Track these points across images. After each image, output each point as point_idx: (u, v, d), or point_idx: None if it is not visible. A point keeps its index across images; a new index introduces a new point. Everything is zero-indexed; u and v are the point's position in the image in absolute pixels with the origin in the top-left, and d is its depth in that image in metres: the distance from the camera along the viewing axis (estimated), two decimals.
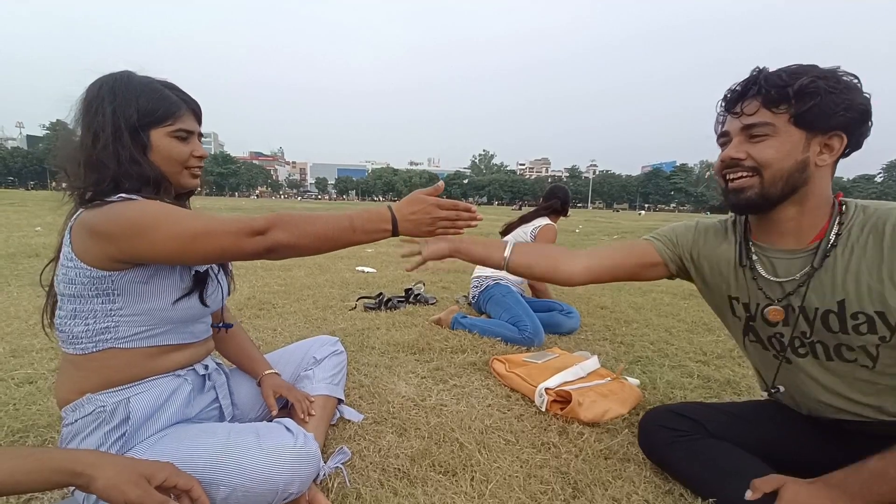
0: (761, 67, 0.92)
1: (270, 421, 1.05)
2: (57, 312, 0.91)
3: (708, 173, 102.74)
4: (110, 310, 0.87)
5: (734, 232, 1.09)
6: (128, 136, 0.87)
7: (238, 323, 1.28)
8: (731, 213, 1.11)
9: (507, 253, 1.18)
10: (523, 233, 2.70)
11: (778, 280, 0.99)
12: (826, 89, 0.84)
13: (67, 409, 0.90)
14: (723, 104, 0.97)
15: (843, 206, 0.93)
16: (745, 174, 0.93)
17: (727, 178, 0.97)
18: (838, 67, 0.87)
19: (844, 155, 0.91)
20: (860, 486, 0.84)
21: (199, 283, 0.96)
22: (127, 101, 0.88)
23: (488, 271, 2.73)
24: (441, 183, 0.98)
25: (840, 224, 0.91)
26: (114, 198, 0.85)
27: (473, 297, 2.75)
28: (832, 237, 0.91)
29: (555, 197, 2.81)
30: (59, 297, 0.90)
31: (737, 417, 1.16)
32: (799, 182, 0.90)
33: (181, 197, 1.04)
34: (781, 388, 1.06)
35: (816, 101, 0.84)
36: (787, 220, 0.96)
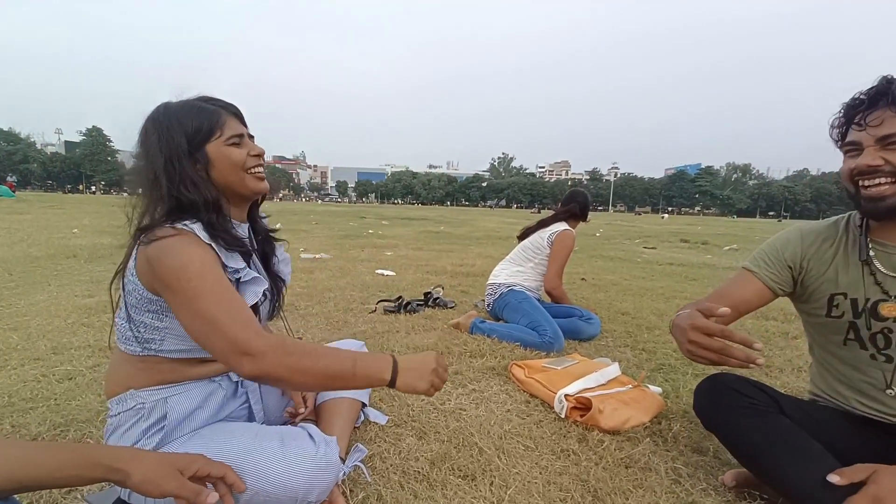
0: (889, 77, 0.93)
1: (293, 424, 1.07)
2: (118, 312, 0.96)
3: (735, 176, 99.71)
4: (158, 327, 0.92)
5: (847, 230, 1.09)
6: (182, 161, 0.90)
7: (281, 331, 1.31)
8: (850, 214, 1.12)
9: None
10: (540, 238, 2.69)
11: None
12: None
13: (113, 402, 0.96)
14: (844, 113, 0.98)
15: None
16: (884, 180, 0.94)
17: (860, 184, 0.97)
18: None
19: None
20: None
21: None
22: (171, 130, 0.91)
23: (502, 277, 2.71)
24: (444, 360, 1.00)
25: None
26: (180, 224, 0.87)
27: (489, 305, 2.74)
28: None
29: (574, 201, 2.79)
30: (120, 299, 0.95)
31: (803, 410, 1.13)
32: None
33: (255, 206, 1.08)
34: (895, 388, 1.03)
35: None
36: None
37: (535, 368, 1.81)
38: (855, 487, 0.86)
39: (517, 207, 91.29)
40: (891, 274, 1.01)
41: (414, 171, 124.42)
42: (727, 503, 1.12)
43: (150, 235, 0.87)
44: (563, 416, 1.53)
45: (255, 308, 1.00)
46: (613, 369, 1.76)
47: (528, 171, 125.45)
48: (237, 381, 1.09)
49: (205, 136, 0.93)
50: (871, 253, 1.03)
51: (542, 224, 2.76)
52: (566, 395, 1.55)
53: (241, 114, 1.01)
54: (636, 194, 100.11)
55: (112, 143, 74.56)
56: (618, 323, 2.85)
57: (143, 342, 0.93)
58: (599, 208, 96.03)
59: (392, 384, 0.88)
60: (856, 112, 0.95)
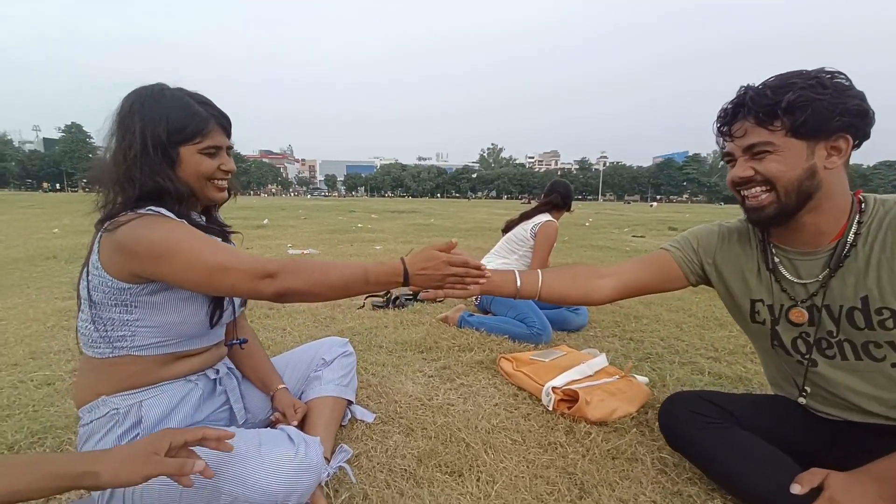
0: (747, 86, 0.92)
1: (273, 425, 1.06)
2: (79, 315, 0.94)
3: (721, 163, 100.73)
4: (127, 320, 0.90)
5: (754, 235, 1.09)
6: (157, 152, 0.90)
7: (255, 336, 1.28)
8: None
9: (519, 283, 1.13)
10: (524, 230, 2.67)
11: (801, 281, 1.00)
12: (815, 98, 0.84)
13: (84, 410, 0.94)
14: (718, 125, 0.98)
15: (863, 203, 0.93)
16: (759, 188, 0.93)
17: (742, 194, 0.97)
18: (822, 69, 0.87)
19: (856, 147, 0.90)
20: None
21: (216, 303, 0.99)
22: (157, 118, 0.90)
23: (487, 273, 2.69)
24: (455, 241, 1.01)
25: (860, 223, 0.92)
26: (143, 210, 0.88)
27: (476, 299, 2.73)
28: (851, 236, 0.92)
29: (555, 192, 2.76)
30: (81, 301, 0.93)
31: (761, 409, 1.14)
32: (811, 189, 0.90)
33: (210, 209, 1.08)
34: (808, 390, 1.04)
35: (808, 113, 0.84)
36: (807, 225, 0.95)
37: (523, 361, 1.81)
38: (815, 492, 0.88)
39: (507, 198, 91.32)
40: (796, 281, 1.00)
41: (403, 163, 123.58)
42: (711, 491, 1.13)
43: (113, 223, 0.86)
44: (550, 408, 1.53)
45: (220, 302, 1.00)
46: (600, 360, 1.77)
47: (517, 162, 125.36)
48: (215, 379, 1.08)
49: (185, 138, 0.93)
50: (776, 259, 1.03)
51: (525, 216, 2.74)
52: (553, 388, 1.55)
53: (229, 126, 1.01)
54: (625, 183, 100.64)
55: (92, 140, 72.65)
56: (605, 313, 2.86)
57: (113, 341, 0.91)
58: (589, 198, 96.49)
59: (405, 284, 0.94)
60: (723, 124, 0.96)
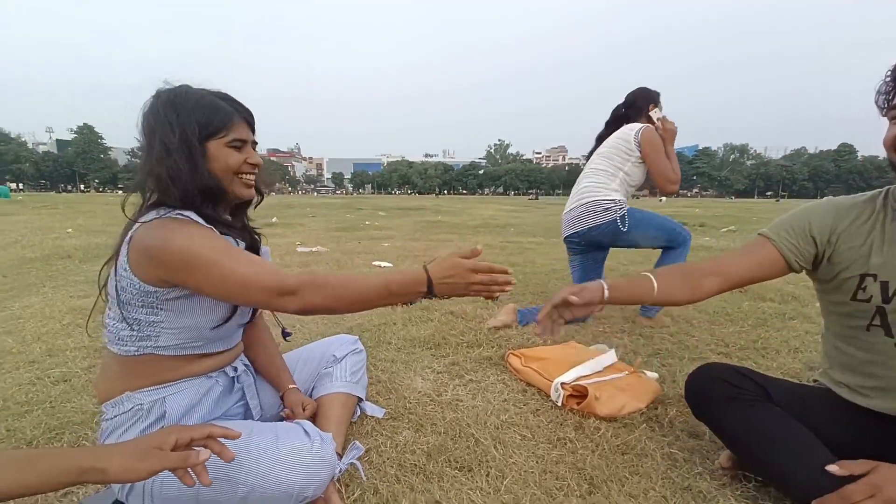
0: None
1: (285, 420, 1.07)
2: (107, 312, 0.96)
3: (732, 156, 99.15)
4: (153, 321, 0.92)
5: (885, 206, 1.00)
6: (193, 148, 0.91)
7: (270, 333, 1.30)
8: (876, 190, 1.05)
9: (656, 286, 1.08)
10: (625, 142, 2.41)
11: None
12: None
13: (108, 405, 0.95)
14: (894, 76, 0.87)
15: None
16: None
17: None
18: None
19: None
20: None
21: (237, 308, 0.99)
22: (188, 115, 0.91)
23: (607, 193, 2.38)
24: (479, 248, 0.97)
25: None
26: (172, 213, 0.88)
27: (593, 228, 2.38)
28: None
29: (631, 106, 2.52)
30: (109, 299, 0.94)
31: (797, 396, 1.11)
32: None
33: (239, 208, 1.08)
34: None
35: None
36: None
37: (532, 357, 1.81)
38: (845, 480, 0.85)
39: (514, 194, 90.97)
40: None
41: (410, 160, 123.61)
42: (722, 486, 1.13)
43: (143, 225, 0.87)
44: (559, 404, 1.53)
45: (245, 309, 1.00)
46: (610, 356, 1.76)
47: (524, 158, 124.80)
48: (233, 377, 1.10)
49: (212, 132, 0.93)
50: None
51: (610, 128, 2.54)
52: (563, 384, 1.55)
53: (252, 120, 1.02)
54: None
55: (104, 141, 73.97)
56: (615, 309, 2.83)
57: (139, 340, 0.93)
58: None
59: (430, 294, 0.90)
60: None
